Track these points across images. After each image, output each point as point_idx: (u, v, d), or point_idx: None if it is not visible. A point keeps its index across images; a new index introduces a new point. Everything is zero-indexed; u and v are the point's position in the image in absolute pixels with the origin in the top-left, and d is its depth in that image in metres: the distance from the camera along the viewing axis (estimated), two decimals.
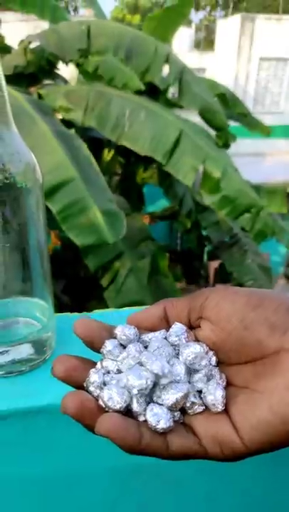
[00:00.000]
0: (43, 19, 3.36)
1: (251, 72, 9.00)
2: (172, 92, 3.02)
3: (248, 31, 8.79)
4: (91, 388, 0.21)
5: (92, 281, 2.27)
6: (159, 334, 0.23)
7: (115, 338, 0.23)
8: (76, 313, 0.45)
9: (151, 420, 0.20)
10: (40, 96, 2.62)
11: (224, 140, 2.50)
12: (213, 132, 2.76)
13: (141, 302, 2.08)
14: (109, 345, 0.23)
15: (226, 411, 0.21)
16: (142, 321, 0.24)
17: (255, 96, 9.09)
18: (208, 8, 17.17)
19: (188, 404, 0.21)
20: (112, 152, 3.75)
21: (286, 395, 0.19)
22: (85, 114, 2.49)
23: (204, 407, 0.22)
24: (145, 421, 0.20)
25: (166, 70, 2.82)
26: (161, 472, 0.38)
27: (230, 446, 0.20)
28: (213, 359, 0.22)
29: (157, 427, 0.20)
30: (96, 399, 0.21)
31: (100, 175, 2.16)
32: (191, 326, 0.24)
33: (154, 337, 0.23)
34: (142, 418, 0.20)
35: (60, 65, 3.23)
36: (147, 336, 0.23)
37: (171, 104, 3.16)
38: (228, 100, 3.68)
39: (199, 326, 0.23)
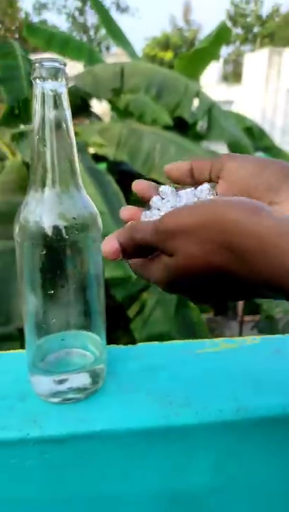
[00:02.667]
0: (80, 61, 3.59)
1: (279, 104, 9.13)
2: (201, 124, 3.12)
3: (275, 64, 8.99)
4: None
5: (118, 312, 2.31)
6: (190, 190, 0.30)
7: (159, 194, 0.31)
8: (122, 346, 0.48)
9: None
10: (76, 133, 2.78)
11: None
12: None
13: (167, 334, 2.09)
14: (154, 199, 0.30)
15: None
16: (173, 170, 0.31)
17: (283, 127, 9.16)
18: (237, 43, 17.73)
19: None
20: None
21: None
22: (117, 150, 2.61)
23: None
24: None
25: (195, 104, 2.93)
26: (205, 502, 0.40)
27: None
28: None
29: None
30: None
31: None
32: (211, 179, 0.30)
33: (186, 192, 0.30)
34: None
35: (94, 102, 3.41)
36: (180, 193, 0.30)
37: (199, 137, 3.26)
38: (255, 133, 3.75)
39: (217, 182, 0.30)
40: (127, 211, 0.31)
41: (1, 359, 0.45)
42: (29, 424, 0.36)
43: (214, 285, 0.24)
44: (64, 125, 0.35)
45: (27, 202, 0.36)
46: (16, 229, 0.37)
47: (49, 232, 0.35)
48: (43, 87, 0.34)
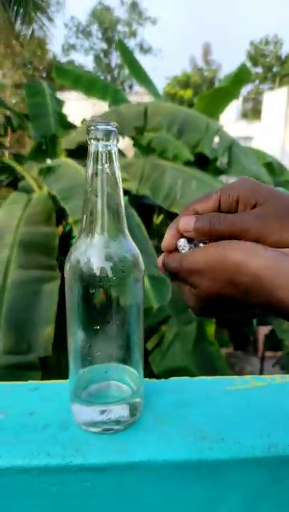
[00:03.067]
0: (105, 101, 3.78)
1: None
2: (221, 159, 3.20)
3: None
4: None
5: None
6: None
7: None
8: (155, 380, 0.51)
9: None
10: None
11: None
12: None
13: (185, 368, 2.07)
14: (180, 242, 0.35)
15: None
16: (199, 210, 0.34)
17: None
18: (256, 82, 18.32)
19: None
20: (162, 216, 3.95)
21: None
22: (140, 184, 2.70)
23: None
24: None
25: (215, 141, 3.03)
26: None
27: None
28: None
29: None
30: None
31: (148, 241, 2.30)
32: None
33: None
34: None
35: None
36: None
37: (220, 172, 3.34)
38: (275, 168, 3.82)
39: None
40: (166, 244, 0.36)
41: (42, 388, 0.48)
42: (71, 453, 0.39)
43: (232, 308, 0.31)
44: (114, 178, 0.39)
45: (78, 244, 0.40)
46: (67, 268, 0.40)
47: (97, 272, 0.39)
48: (97, 146, 0.38)
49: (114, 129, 0.39)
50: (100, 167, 0.39)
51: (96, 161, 0.39)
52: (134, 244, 0.42)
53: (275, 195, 0.32)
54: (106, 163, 0.39)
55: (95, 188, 0.39)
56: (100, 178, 0.39)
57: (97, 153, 0.38)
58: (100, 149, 0.38)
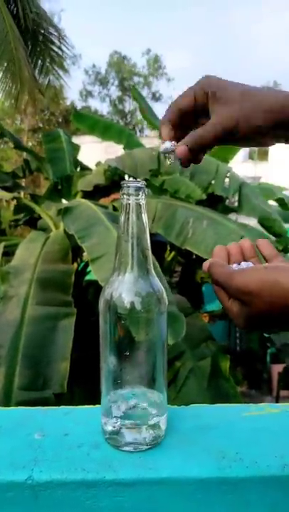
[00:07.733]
0: (120, 144, 3.99)
1: None
2: (230, 199, 3.32)
3: None
4: None
5: None
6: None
7: None
8: (176, 406, 0.55)
9: None
10: (114, 208, 3.04)
11: (284, 245, 2.65)
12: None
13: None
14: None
15: None
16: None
17: None
18: None
19: None
20: (174, 253, 4.03)
21: None
22: (153, 223, 2.79)
23: None
24: None
25: (226, 182, 3.15)
26: None
27: None
28: None
29: None
30: None
31: (162, 277, 2.36)
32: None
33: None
34: None
35: (130, 179, 3.72)
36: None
37: (230, 210, 3.45)
38: (286, 204, 3.92)
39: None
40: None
41: (74, 413, 0.53)
42: (105, 468, 0.43)
43: (283, 326, 0.35)
44: (142, 226, 0.46)
45: (112, 281, 0.47)
46: (101, 302, 0.47)
47: (127, 305, 0.45)
48: (129, 200, 0.46)
49: (143, 186, 0.46)
50: (130, 217, 0.46)
51: (127, 211, 0.46)
52: (158, 281, 0.48)
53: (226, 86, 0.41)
54: (135, 213, 0.46)
55: (126, 233, 0.46)
56: (130, 225, 0.46)
57: (129, 206, 0.46)
58: (131, 202, 0.46)
